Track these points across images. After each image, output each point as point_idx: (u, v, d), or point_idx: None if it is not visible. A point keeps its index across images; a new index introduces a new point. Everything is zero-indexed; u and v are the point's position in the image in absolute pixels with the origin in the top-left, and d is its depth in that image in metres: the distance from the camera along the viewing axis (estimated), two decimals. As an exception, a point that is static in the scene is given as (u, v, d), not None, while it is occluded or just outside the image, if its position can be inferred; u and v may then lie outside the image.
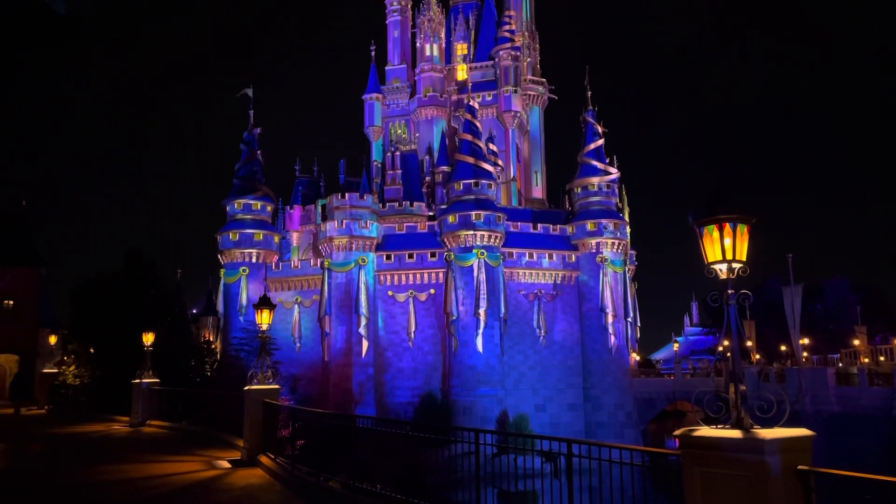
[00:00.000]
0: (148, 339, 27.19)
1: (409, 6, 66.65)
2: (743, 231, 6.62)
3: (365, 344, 46.70)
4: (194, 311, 64.23)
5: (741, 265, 6.60)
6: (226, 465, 15.52)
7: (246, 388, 16.60)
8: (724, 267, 6.65)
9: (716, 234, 6.67)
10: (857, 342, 66.13)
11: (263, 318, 17.24)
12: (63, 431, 24.69)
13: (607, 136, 52.92)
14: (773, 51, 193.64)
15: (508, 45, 59.97)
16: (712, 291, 7.07)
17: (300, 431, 14.05)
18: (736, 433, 5.90)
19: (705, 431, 6.10)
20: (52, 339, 47.60)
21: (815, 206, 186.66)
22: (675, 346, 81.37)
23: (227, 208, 51.00)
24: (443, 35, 63.32)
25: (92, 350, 39.52)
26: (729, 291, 6.59)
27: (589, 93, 53.60)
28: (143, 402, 26.60)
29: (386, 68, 65.58)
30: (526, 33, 64.58)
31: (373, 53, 64.48)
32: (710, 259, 6.67)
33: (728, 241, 6.65)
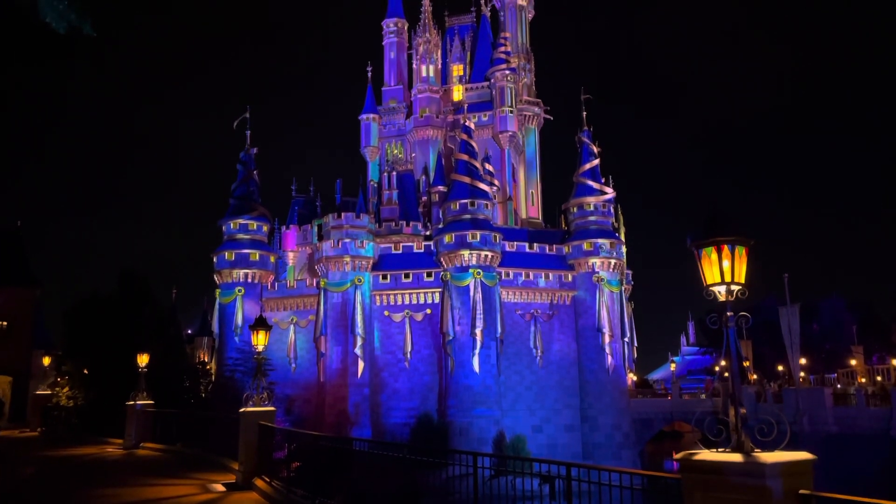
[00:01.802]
0: (142, 360, 27.01)
1: (406, 28, 67.21)
2: (741, 253, 6.64)
3: (361, 364, 46.48)
4: (189, 331, 63.96)
5: (740, 287, 6.61)
6: (220, 488, 15.35)
7: (241, 410, 16.48)
8: (722, 289, 6.65)
9: (714, 256, 6.68)
10: (853, 362, 66.07)
11: (259, 340, 17.16)
12: (56, 454, 24.42)
13: (603, 156, 53.24)
14: (769, 68, 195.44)
15: (504, 66, 60.44)
16: (711, 314, 7.09)
17: (296, 454, 13.94)
18: (737, 457, 5.86)
19: (706, 455, 6.06)
20: (46, 361, 47.21)
21: (809, 224, 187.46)
22: (672, 366, 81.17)
23: (224, 228, 50.96)
24: (439, 56, 63.81)
25: (86, 371, 39.23)
26: (728, 314, 6.59)
27: (584, 113, 54.01)
28: (136, 424, 26.36)
29: (382, 89, 65.97)
30: (521, 55, 65.09)
31: (369, 74, 65.00)
32: (709, 281, 6.68)
33: (726, 264, 6.65)
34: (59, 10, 10.69)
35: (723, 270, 6.63)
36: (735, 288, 6.60)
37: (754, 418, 6.26)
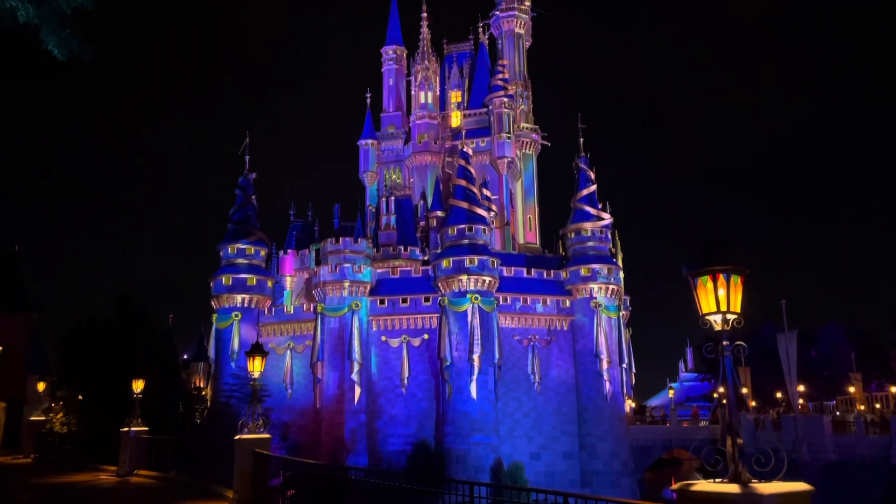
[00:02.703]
0: (137, 385, 26.86)
1: (405, 55, 67.90)
2: (737, 282, 6.67)
3: (357, 390, 46.20)
4: (185, 356, 63.69)
5: (736, 316, 6.64)
6: (214, 517, 15.18)
7: (236, 437, 16.36)
8: (718, 318, 6.68)
9: (710, 285, 6.72)
10: (852, 389, 65.80)
11: (255, 366, 17.09)
12: (49, 481, 24.16)
13: (600, 182, 53.49)
14: (768, 94, 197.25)
15: (502, 92, 60.99)
16: (707, 343, 7.07)
17: (291, 481, 13.82)
18: (734, 488, 5.83)
19: (703, 486, 6.03)
20: (41, 386, 46.90)
21: (807, 250, 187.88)
22: (671, 393, 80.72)
23: (221, 253, 50.95)
24: (437, 83, 64.38)
25: (80, 397, 38.98)
26: (724, 343, 6.61)
27: (581, 139, 54.37)
28: (130, 450, 26.11)
29: (381, 115, 66.48)
30: (519, 81, 65.71)
31: (368, 100, 65.54)
32: (705, 310, 6.71)
33: (722, 293, 6.69)
34: (61, 37, 10.79)
35: (718, 299, 6.67)
36: (731, 317, 6.63)
37: (753, 446, 6.25)
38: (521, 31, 67.40)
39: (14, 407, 52.71)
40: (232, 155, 53.48)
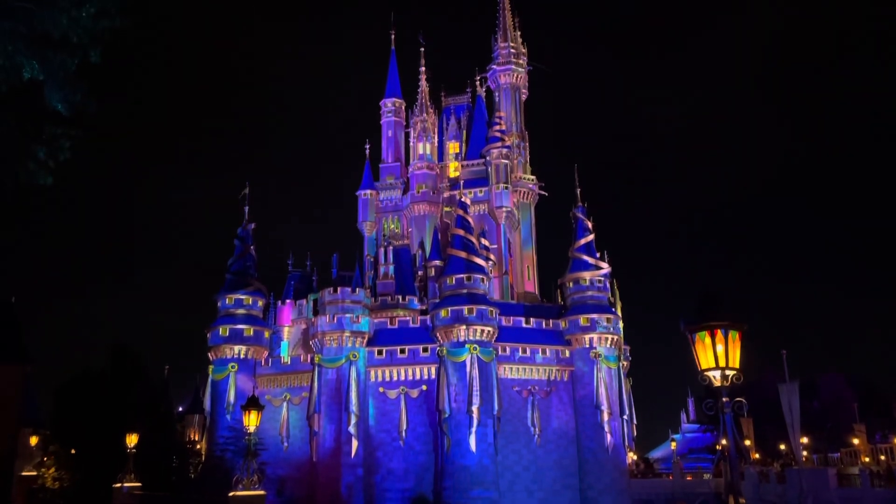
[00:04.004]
0: (131, 440, 26.49)
1: (403, 107, 68.97)
2: (735, 337, 6.64)
3: (354, 443, 45.49)
4: (180, 408, 62.87)
5: (735, 372, 6.59)
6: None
7: (230, 493, 16.06)
8: (717, 374, 6.62)
9: (707, 340, 6.68)
10: (856, 441, 64.94)
11: (251, 420, 16.88)
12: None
13: (598, 231, 53.71)
14: (766, 144, 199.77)
15: (499, 143, 61.74)
16: (707, 399, 7.01)
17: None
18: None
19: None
20: (34, 440, 46.15)
21: (806, 299, 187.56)
22: (673, 445, 79.47)
23: (219, 303, 50.80)
24: (435, 134, 65.26)
25: (73, 451, 38.34)
26: (724, 399, 6.54)
27: (578, 189, 54.80)
28: (122, 507, 25.58)
29: (380, 165, 67.17)
30: (516, 132, 66.65)
31: (367, 151, 66.40)
32: (704, 366, 6.66)
33: (720, 348, 6.65)
34: (66, 92, 10.94)
35: (717, 355, 6.62)
36: (730, 373, 6.58)
37: (757, 500, 6.15)
38: (518, 84, 68.65)
39: (5, 462, 51.72)
40: (231, 204, 53.88)
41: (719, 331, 6.65)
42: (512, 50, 68.39)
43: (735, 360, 6.66)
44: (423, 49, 68.13)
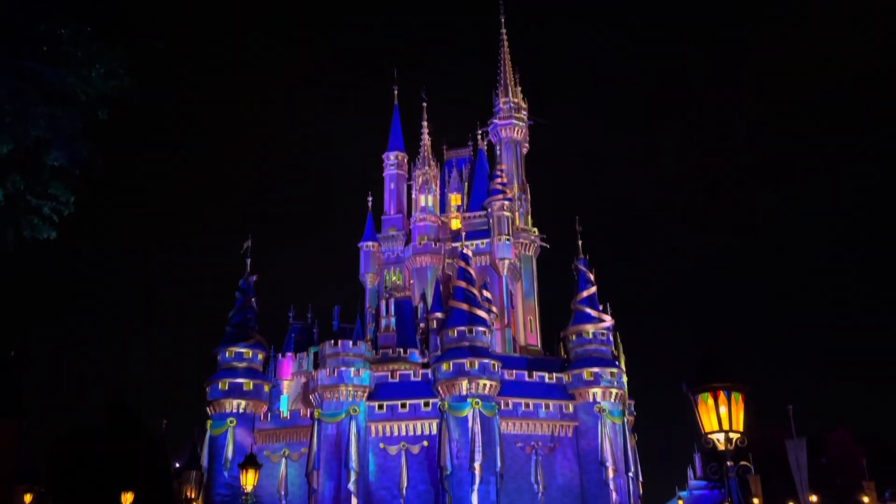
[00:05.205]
0: (127, 499, 25.99)
1: (406, 160, 69.75)
2: (738, 399, 6.54)
3: (354, 501, 44.51)
4: (177, 464, 61.74)
5: (739, 435, 6.46)
6: None
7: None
8: (721, 437, 6.50)
9: (710, 401, 6.58)
10: (866, 499, 63.40)
11: (248, 479, 16.56)
12: None
13: (600, 283, 53.61)
14: (765, 195, 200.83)
15: (500, 196, 62.17)
16: (711, 463, 6.87)
17: None
18: None
19: None
20: (28, 498, 45.14)
21: (811, 353, 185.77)
22: (680, 503, 77.66)
23: (219, 357, 50.45)
24: (437, 187, 65.81)
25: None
26: (728, 463, 6.41)
27: (580, 241, 54.98)
28: (115, 568, 24.91)
29: (382, 217, 67.55)
30: (517, 185, 67.20)
31: (369, 203, 66.86)
32: (707, 429, 6.54)
33: (724, 410, 6.54)
34: (72, 150, 11.06)
35: (720, 417, 6.51)
36: (734, 436, 6.45)
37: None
38: (519, 138, 69.50)
39: (-2, 518, 50.59)
40: (231, 256, 53.96)
41: (722, 392, 6.55)
42: (513, 104, 69.44)
43: (738, 422, 6.54)
44: (425, 104, 69.37)
